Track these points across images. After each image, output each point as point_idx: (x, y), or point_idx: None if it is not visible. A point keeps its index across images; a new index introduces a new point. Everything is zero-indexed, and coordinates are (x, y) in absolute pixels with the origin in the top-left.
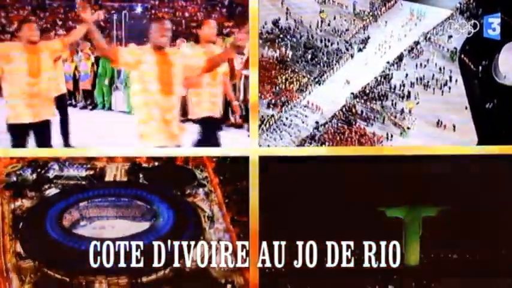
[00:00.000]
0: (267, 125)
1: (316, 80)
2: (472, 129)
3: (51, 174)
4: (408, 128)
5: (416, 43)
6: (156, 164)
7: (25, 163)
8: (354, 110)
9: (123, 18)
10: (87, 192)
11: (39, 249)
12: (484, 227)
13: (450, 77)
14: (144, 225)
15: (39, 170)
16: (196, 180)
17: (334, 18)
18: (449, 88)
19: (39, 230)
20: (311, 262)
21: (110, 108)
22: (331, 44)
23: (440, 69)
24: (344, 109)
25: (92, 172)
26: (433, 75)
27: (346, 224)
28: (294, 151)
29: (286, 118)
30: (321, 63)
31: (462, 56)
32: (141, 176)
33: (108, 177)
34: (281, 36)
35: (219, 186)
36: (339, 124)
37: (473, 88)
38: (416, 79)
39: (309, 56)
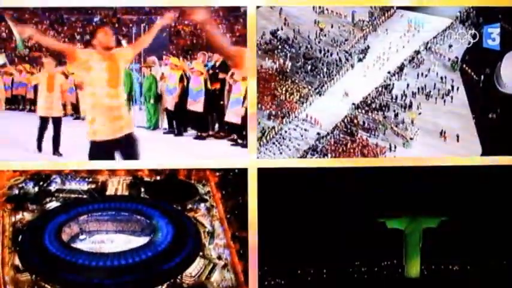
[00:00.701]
0: (268, 137)
1: (317, 90)
2: (475, 140)
3: (53, 187)
4: (411, 139)
5: (417, 52)
6: (158, 178)
7: (28, 176)
8: (355, 121)
9: (142, 32)
10: (87, 206)
11: (37, 263)
12: (485, 238)
13: (452, 87)
14: (144, 240)
15: (41, 183)
16: (198, 194)
17: (332, 26)
18: (452, 98)
19: (37, 244)
20: (311, 276)
21: None
22: (331, 55)
23: (441, 78)
24: (346, 120)
25: (93, 186)
26: (435, 84)
27: (346, 236)
28: (293, 163)
29: (286, 131)
30: (321, 74)
31: (464, 65)
32: (142, 190)
33: (109, 191)
34: (280, 46)
35: (221, 201)
36: (341, 135)
37: (476, 98)
38: (418, 89)
39: (309, 67)
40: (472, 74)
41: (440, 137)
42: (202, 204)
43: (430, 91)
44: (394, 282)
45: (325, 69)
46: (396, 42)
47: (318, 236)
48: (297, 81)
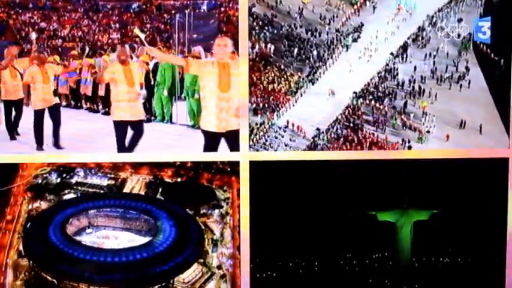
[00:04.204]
0: (258, 136)
1: (309, 78)
2: (501, 130)
3: (74, 180)
4: (428, 132)
5: (421, 29)
6: (179, 179)
7: (54, 167)
8: (358, 113)
9: (187, 19)
10: (98, 201)
11: (37, 250)
12: (475, 230)
13: (467, 68)
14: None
15: (64, 175)
16: (214, 200)
17: None
18: (469, 83)
19: (41, 232)
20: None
21: (170, 121)
22: (319, 34)
23: (453, 60)
24: (347, 112)
25: (113, 182)
26: (447, 67)
27: (337, 228)
28: (285, 156)
29: (279, 128)
30: (312, 58)
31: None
32: (160, 190)
33: (126, 189)
34: (257, 27)
35: (239, 209)
36: (344, 131)
37: (496, 81)
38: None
39: (296, 50)
40: (490, 53)
41: (461, 128)
42: (216, 210)
43: (441, 75)
44: (385, 275)
45: (315, 53)
46: (394, 18)
47: (310, 229)
48: (282, 67)
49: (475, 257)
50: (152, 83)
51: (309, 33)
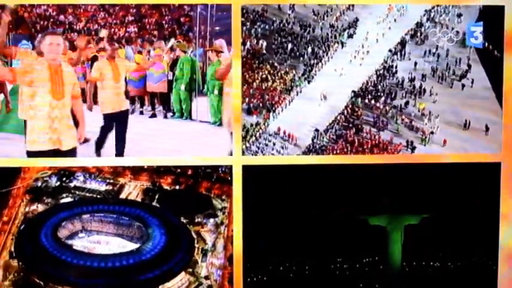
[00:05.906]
0: (254, 138)
1: (305, 76)
2: None
3: (73, 184)
4: (432, 133)
5: (419, 25)
6: (177, 187)
7: (54, 171)
8: (358, 113)
9: (209, 11)
10: (92, 206)
11: (27, 252)
12: (466, 235)
13: (469, 66)
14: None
15: (64, 178)
16: (210, 209)
17: None
18: (472, 81)
19: (33, 234)
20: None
21: (189, 118)
22: (313, 30)
23: (455, 57)
24: (346, 112)
25: (111, 187)
26: (448, 64)
27: (328, 233)
28: (278, 160)
29: (271, 135)
30: (305, 55)
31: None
32: (156, 197)
33: (123, 195)
34: (248, 23)
35: None
36: (343, 132)
37: (500, 79)
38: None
39: (289, 47)
40: (493, 49)
41: (465, 129)
42: (211, 220)
43: (442, 73)
44: (376, 279)
45: (309, 49)
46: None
47: (301, 233)
48: (276, 64)
49: (465, 261)
50: (170, 77)
51: (303, 29)
